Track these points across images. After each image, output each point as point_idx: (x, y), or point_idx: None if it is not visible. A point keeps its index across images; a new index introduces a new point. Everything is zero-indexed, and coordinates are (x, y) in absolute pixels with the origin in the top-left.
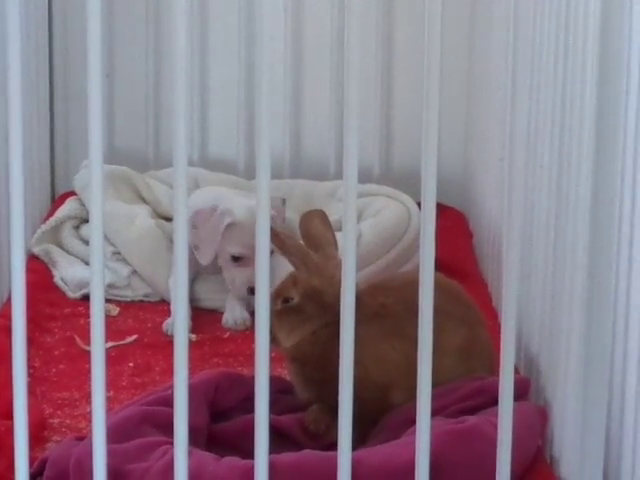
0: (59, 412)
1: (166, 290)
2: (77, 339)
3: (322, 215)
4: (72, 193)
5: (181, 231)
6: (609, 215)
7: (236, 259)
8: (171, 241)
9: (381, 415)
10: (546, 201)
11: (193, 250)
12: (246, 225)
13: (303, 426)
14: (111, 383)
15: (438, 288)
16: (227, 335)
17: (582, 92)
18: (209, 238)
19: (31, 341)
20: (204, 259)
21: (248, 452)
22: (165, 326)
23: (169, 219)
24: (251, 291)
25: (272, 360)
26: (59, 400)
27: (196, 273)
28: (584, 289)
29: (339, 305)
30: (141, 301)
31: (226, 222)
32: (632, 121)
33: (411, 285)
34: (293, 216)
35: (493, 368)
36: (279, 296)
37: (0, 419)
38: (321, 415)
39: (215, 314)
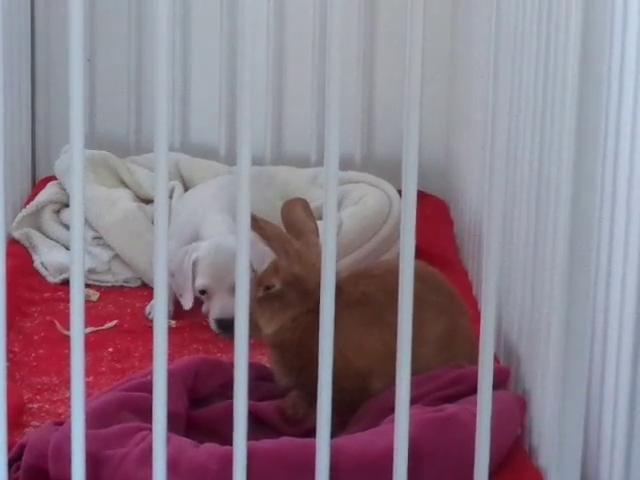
0: (38, 397)
1: (147, 272)
2: (57, 324)
3: (304, 203)
4: (53, 178)
5: (162, 216)
6: (589, 204)
7: (202, 292)
8: (153, 223)
9: (361, 402)
10: (527, 190)
11: (178, 298)
12: (206, 258)
13: (282, 412)
14: (90, 368)
15: (420, 277)
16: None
17: (564, 79)
18: (184, 283)
19: (11, 325)
20: (186, 304)
21: (227, 438)
22: (148, 308)
23: (150, 201)
24: (219, 324)
25: (252, 347)
26: (38, 385)
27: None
28: (564, 278)
29: (320, 292)
30: (121, 286)
31: (192, 260)
32: (613, 106)
33: (393, 273)
34: (275, 202)
35: (474, 357)
36: (261, 283)
37: None
38: (299, 401)
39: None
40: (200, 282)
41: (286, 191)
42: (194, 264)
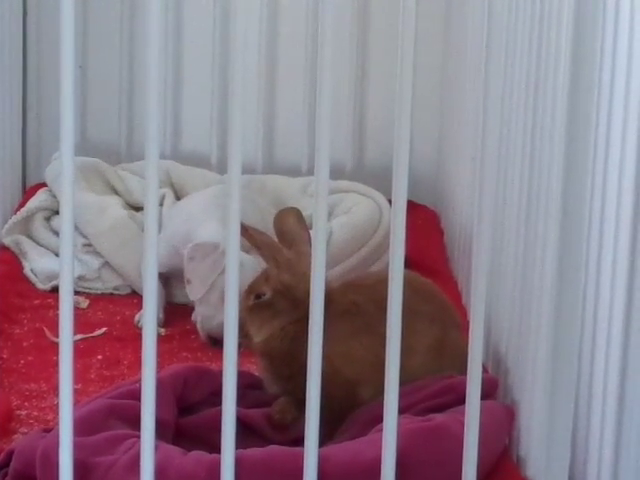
0: (27, 404)
1: (137, 280)
2: (46, 331)
3: (297, 212)
4: (44, 184)
5: (152, 224)
6: (579, 217)
7: None
8: (143, 231)
9: (349, 411)
10: (517, 201)
11: (185, 283)
12: (248, 266)
13: (269, 417)
14: (79, 375)
15: (411, 287)
16: None
17: (554, 93)
18: (205, 275)
19: (0, 332)
20: (195, 294)
21: (215, 446)
22: (137, 317)
23: (141, 209)
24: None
25: (241, 355)
26: (27, 392)
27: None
28: (553, 288)
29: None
30: (111, 294)
31: None
32: (604, 116)
33: (383, 283)
34: (267, 209)
35: (464, 369)
36: (252, 292)
37: None
38: (287, 406)
39: (185, 308)
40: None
41: (279, 198)
42: None
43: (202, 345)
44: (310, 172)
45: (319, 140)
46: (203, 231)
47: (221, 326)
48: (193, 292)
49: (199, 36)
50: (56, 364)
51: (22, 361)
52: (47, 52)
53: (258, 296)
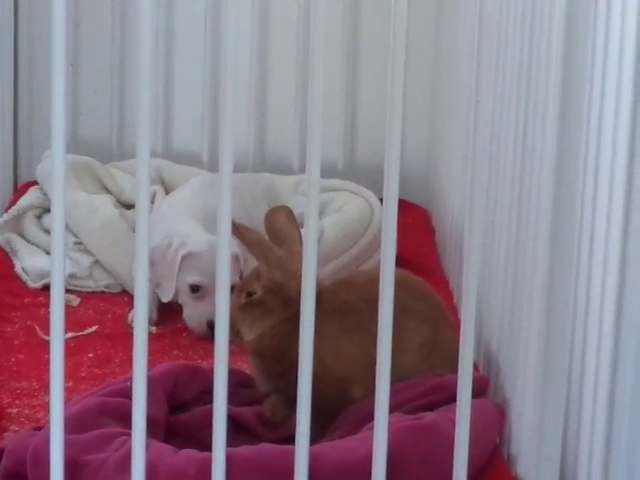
0: (17, 402)
1: (128, 278)
2: (37, 329)
3: (288, 211)
4: (35, 183)
5: (142, 222)
6: (570, 214)
7: (195, 289)
8: (134, 230)
9: (340, 409)
10: (508, 199)
11: (155, 289)
12: (203, 254)
13: (260, 416)
14: (70, 374)
15: (403, 285)
16: None
17: (545, 90)
18: (167, 274)
19: None
20: (166, 296)
21: (206, 444)
22: (130, 316)
23: (132, 207)
24: (210, 326)
25: (232, 353)
26: (18, 390)
27: None
28: (544, 287)
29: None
30: (102, 292)
31: (181, 254)
32: (595, 113)
33: (375, 282)
34: (261, 206)
35: (455, 368)
36: (243, 290)
37: None
38: (278, 404)
39: (176, 306)
40: (196, 279)
41: (272, 191)
42: (184, 258)
43: (193, 343)
44: (301, 170)
45: (310, 138)
46: (181, 227)
47: (198, 321)
48: (165, 294)
49: (190, 34)
50: (47, 362)
51: (13, 359)
52: (38, 50)
53: (249, 294)
